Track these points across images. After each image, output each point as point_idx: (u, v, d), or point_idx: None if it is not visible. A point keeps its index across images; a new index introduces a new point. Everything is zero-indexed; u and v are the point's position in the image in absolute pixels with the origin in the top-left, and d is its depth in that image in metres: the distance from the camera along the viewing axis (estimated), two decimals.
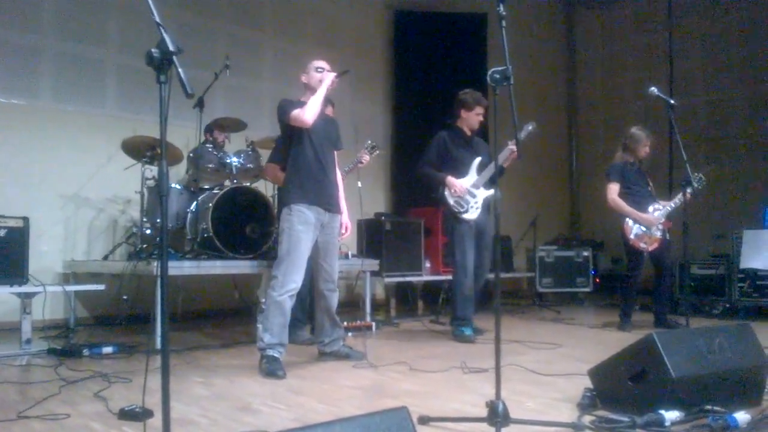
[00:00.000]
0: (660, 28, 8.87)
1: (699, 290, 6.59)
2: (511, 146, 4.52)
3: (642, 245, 5.14)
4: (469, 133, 4.91)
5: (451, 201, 4.71)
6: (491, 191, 4.71)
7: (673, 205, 5.21)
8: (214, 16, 6.64)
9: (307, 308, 4.62)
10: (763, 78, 8.00)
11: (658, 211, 5.21)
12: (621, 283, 5.74)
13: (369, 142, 4.98)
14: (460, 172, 4.76)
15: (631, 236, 5.15)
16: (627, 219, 5.18)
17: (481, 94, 4.94)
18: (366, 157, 5.12)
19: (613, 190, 5.27)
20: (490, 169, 4.70)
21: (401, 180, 7.93)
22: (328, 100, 4.14)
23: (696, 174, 5.20)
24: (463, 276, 4.72)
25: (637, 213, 5.16)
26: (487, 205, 4.77)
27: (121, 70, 5.95)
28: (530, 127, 4.67)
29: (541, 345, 4.40)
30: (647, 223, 5.15)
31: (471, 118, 4.87)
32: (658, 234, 5.17)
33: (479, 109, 4.86)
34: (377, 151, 5.28)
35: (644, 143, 5.31)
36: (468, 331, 4.64)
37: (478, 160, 4.79)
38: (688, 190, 5.01)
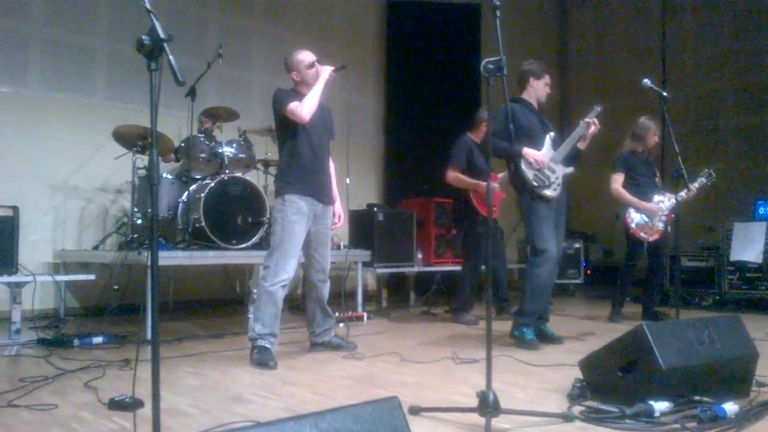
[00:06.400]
0: (653, 20, 8.88)
1: (689, 282, 6.63)
2: (588, 120, 4.15)
3: (642, 235, 5.16)
4: (536, 105, 4.42)
5: (529, 175, 4.14)
6: (570, 169, 4.29)
7: (678, 198, 5.21)
8: (205, 4, 6.59)
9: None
10: (755, 71, 8.03)
11: (662, 202, 5.22)
12: (619, 272, 5.68)
13: (597, 108, 4.22)
14: (533, 146, 4.20)
15: (632, 225, 5.17)
16: (629, 209, 5.20)
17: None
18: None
19: (616, 180, 5.28)
20: (568, 144, 4.24)
21: (394, 171, 7.92)
22: None
23: (706, 170, 5.24)
24: (544, 264, 4.09)
25: (640, 202, 5.18)
26: (564, 183, 4.29)
27: (111, 58, 5.89)
28: (599, 108, 4.28)
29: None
30: (650, 212, 5.16)
31: (540, 88, 4.40)
32: (660, 225, 5.18)
33: (548, 78, 4.41)
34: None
35: (653, 132, 5.32)
36: (530, 335, 4.05)
37: (552, 134, 4.32)
38: (696, 185, 5.04)
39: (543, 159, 4.17)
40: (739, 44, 8.21)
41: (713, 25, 8.46)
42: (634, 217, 5.18)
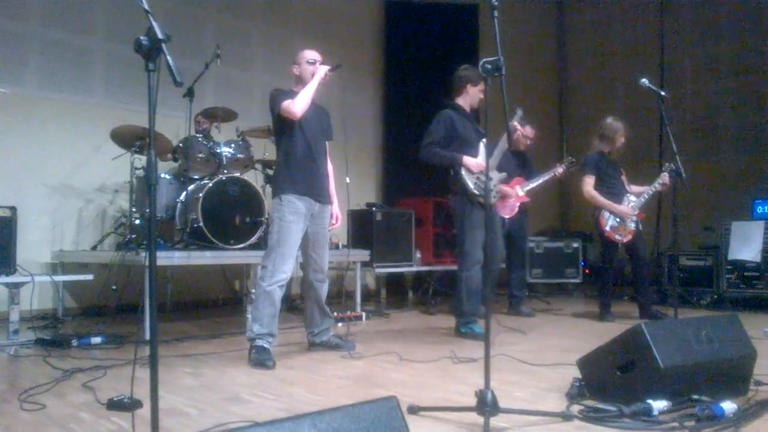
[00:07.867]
0: (650, 19, 8.88)
1: (687, 281, 6.64)
2: (514, 123, 4.36)
3: (617, 237, 5.19)
4: (469, 111, 4.58)
5: (470, 183, 4.28)
6: (504, 174, 4.54)
7: (646, 196, 5.26)
8: (203, 4, 6.58)
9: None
10: (752, 70, 8.03)
11: (632, 203, 5.25)
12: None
13: (569, 158, 5.10)
14: (469, 153, 4.37)
15: (606, 228, 5.19)
16: (603, 211, 5.22)
17: None
18: (560, 170, 5.52)
19: (588, 183, 5.30)
20: (500, 150, 4.41)
21: (392, 171, 7.92)
22: None
23: (667, 164, 5.22)
24: (472, 268, 4.36)
25: (613, 205, 5.20)
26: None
27: (109, 58, 5.89)
28: (520, 111, 4.55)
29: (532, 335, 4.42)
30: (623, 214, 5.19)
31: (475, 95, 4.53)
32: (632, 226, 5.21)
33: (482, 85, 4.46)
34: (573, 168, 5.66)
35: (621, 133, 5.33)
36: (478, 329, 4.33)
37: (485, 140, 4.30)
38: (666, 176, 5.09)
39: (481, 166, 4.28)
40: (736, 44, 8.22)
41: (711, 24, 8.46)
42: (608, 220, 5.20)
